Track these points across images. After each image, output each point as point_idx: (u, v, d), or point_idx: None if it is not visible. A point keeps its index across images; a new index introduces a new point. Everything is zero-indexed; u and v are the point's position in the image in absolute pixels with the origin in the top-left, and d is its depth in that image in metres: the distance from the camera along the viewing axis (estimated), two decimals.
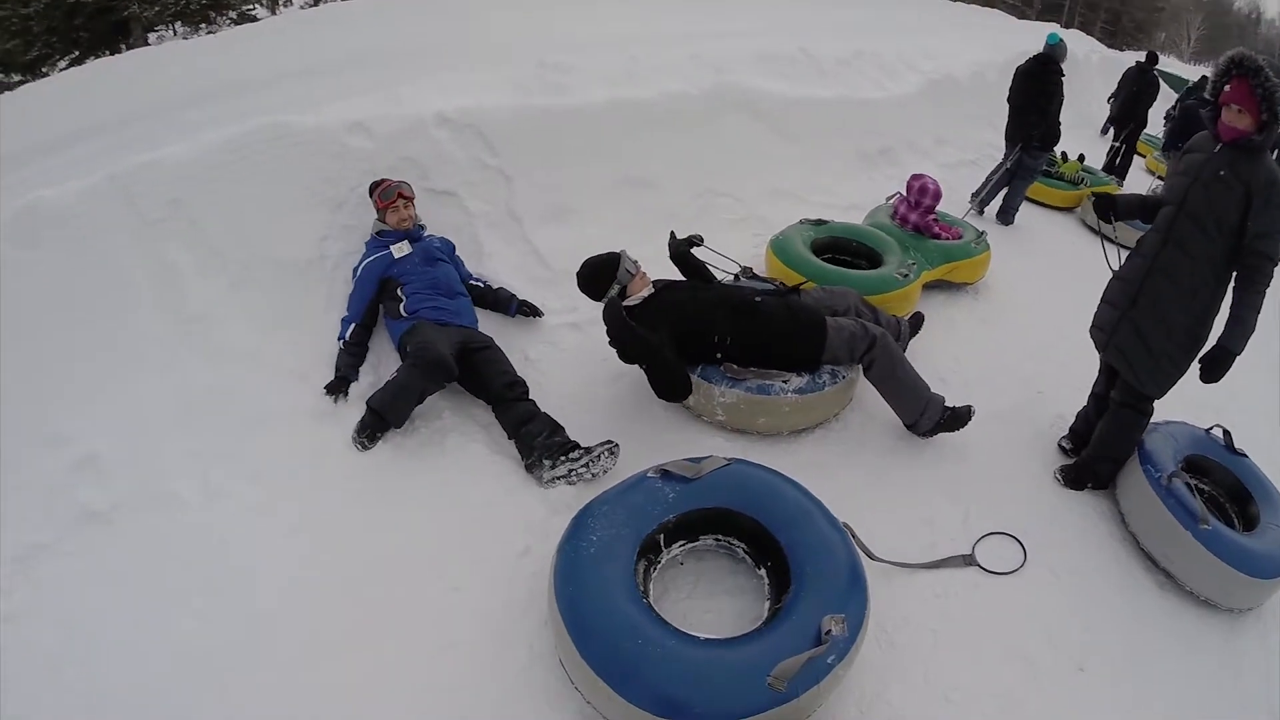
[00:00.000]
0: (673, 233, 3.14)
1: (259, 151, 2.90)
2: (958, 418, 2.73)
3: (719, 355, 2.69)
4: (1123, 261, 2.61)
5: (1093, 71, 10.88)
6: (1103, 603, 2.39)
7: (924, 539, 2.45)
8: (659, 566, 2.09)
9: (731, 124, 4.51)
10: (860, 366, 2.76)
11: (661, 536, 2.06)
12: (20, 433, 2.20)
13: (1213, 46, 37.46)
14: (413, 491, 2.38)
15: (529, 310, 3.11)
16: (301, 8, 15.32)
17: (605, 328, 2.60)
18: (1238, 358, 2.32)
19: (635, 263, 2.78)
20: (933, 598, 2.26)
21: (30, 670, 1.79)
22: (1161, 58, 10.16)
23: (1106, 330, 2.60)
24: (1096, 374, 2.83)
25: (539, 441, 2.49)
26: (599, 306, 2.72)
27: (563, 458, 2.45)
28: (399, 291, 2.80)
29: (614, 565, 1.86)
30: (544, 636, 1.97)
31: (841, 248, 3.92)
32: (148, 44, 11.28)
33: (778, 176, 4.58)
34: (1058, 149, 5.84)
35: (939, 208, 4.16)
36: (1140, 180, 8.07)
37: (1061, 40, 5.24)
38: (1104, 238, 2.70)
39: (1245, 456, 2.76)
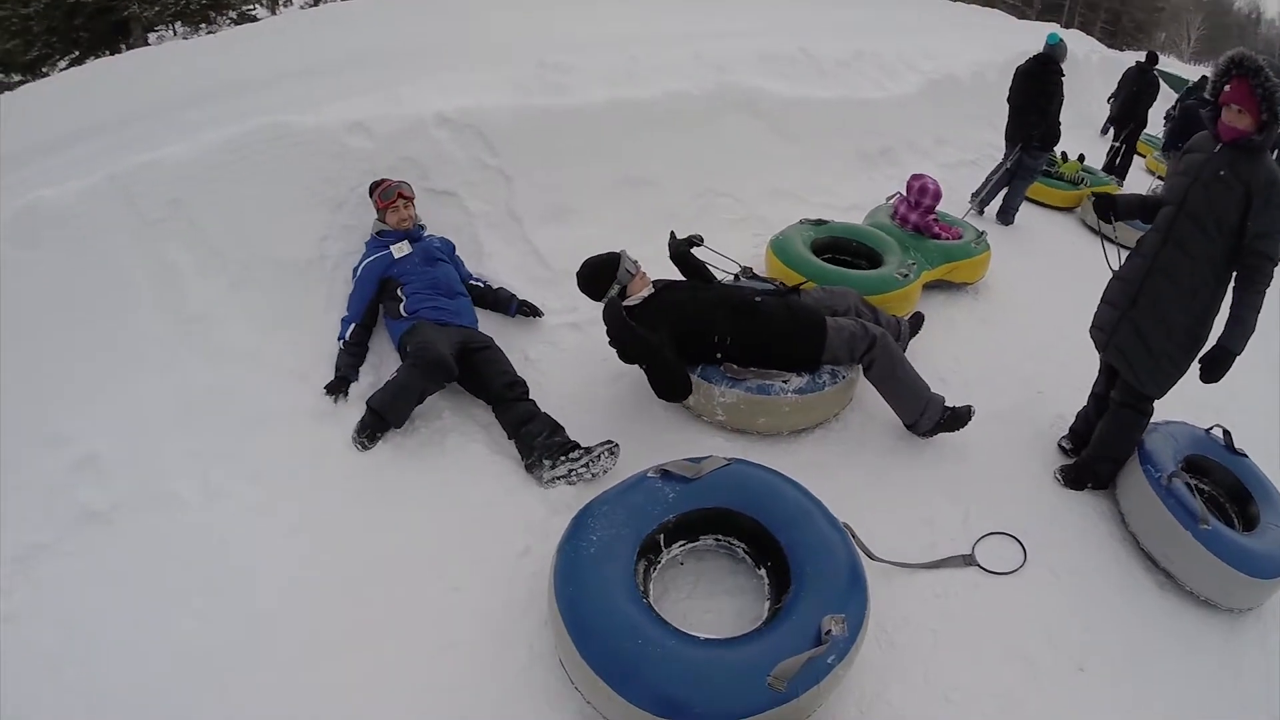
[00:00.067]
0: (673, 233, 3.14)
1: (259, 151, 2.90)
2: (958, 418, 2.73)
3: (719, 355, 2.69)
4: (1123, 261, 2.61)
5: (1093, 71, 10.87)
6: (1103, 603, 2.39)
7: (924, 539, 2.45)
8: (659, 566, 2.09)
9: (732, 124, 4.51)
10: (860, 366, 2.76)
11: (661, 536, 2.05)
12: (20, 433, 2.19)
13: (1213, 46, 37.44)
14: (413, 491, 2.38)
15: (529, 310, 3.12)
16: (301, 8, 15.32)
17: (605, 328, 2.60)
18: (1238, 358, 2.32)
19: (635, 263, 2.78)
20: (933, 598, 2.26)
21: (30, 670, 1.79)
22: (1161, 58, 10.16)
23: (1106, 330, 2.60)
24: (1096, 374, 2.83)
25: (539, 441, 2.49)
26: (599, 306, 2.72)
27: (563, 458, 2.45)
28: (399, 291, 2.80)
29: (614, 565, 1.86)
30: (544, 636, 1.97)
31: (841, 248, 3.92)
32: (148, 44, 11.29)
33: (778, 176, 4.57)
34: (1058, 149, 5.83)
35: (939, 208, 4.16)
36: (1140, 180, 8.07)
37: (1061, 40, 5.24)
38: (1104, 238, 2.70)
39: (1245, 456, 2.76)
